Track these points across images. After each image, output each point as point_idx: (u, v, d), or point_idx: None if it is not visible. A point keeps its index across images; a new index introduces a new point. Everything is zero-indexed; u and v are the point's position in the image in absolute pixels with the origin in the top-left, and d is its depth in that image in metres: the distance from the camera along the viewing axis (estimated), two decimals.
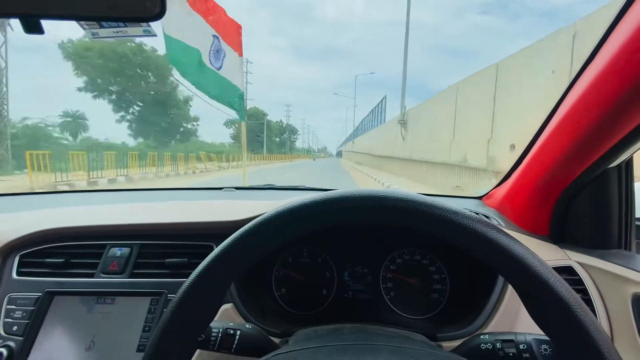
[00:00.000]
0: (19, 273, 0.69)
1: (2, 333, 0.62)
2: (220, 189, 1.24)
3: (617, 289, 0.62)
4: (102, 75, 28.83)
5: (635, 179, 0.71)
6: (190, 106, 38.42)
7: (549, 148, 0.69)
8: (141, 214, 0.82)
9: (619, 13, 0.50)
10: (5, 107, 16.90)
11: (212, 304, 0.39)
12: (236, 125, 49.13)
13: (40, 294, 0.66)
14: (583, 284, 0.65)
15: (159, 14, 0.43)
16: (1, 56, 16.54)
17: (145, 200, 1.20)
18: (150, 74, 31.78)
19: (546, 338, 0.40)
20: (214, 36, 2.59)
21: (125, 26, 0.65)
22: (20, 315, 0.64)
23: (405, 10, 13.16)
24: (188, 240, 0.72)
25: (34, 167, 9.33)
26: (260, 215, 0.38)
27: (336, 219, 0.38)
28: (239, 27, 2.86)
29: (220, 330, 0.45)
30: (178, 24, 2.39)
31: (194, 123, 40.44)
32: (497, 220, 0.85)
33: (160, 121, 35.41)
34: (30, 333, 0.62)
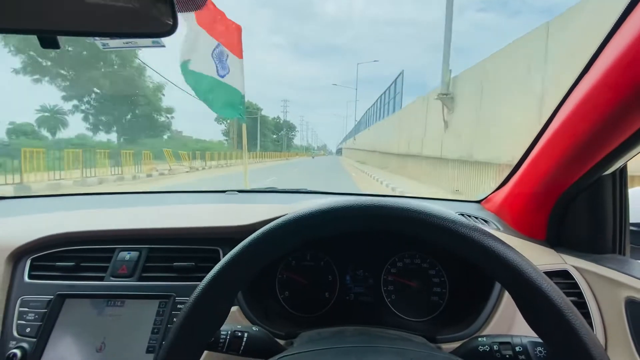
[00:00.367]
0: (30, 276, 0.71)
1: (16, 335, 0.64)
2: (224, 192, 1.26)
3: (611, 292, 0.63)
4: (46, 53, 22.89)
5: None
6: (163, 95, 32.71)
7: (546, 155, 0.71)
8: (148, 218, 0.84)
9: (615, 23, 0.52)
10: None
11: (223, 308, 0.41)
12: (228, 122, 45.39)
13: (51, 296, 0.67)
14: (578, 288, 0.67)
15: (171, 29, 0.45)
16: None
17: (146, 203, 1.21)
18: (113, 55, 26.33)
19: (541, 341, 0.42)
20: (217, 44, 2.64)
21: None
22: (32, 318, 0.66)
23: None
24: (195, 244, 0.74)
25: None
26: (265, 220, 0.40)
27: (342, 227, 0.40)
28: (239, 28, 2.86)
29: (229, 332, 0.46)
30: (191, 47, 2.50)
31: (168, 115, 34.31)
32: (495, 225, 0.87)
33: (124, 113, 30.36)
34: (42, 335, 0.64)
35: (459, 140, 7.97)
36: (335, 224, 0.39)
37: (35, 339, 0.63)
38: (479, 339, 0.47)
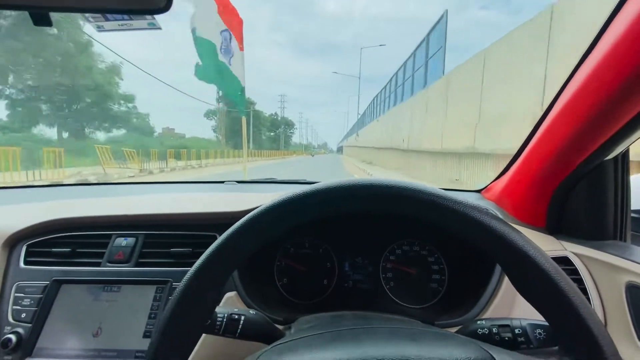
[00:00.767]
0: (26, 262, 0.71)
1: (11, 320, 0.64)
2: (222, 182, 1.25)
3: (611, 278, 0.63)
4: None
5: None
6: (121, 79, 25.53)
7: (547, 141, 0.70)
8: (145, 205, 0.83)
9: (617, 5, 0.51)
10: None
11: (215, 291, 0.40)
12: (217, 117, 42.19)
13: (47, 282, 0.67)
14: (579, 274, 0.67)
15: (165, 7, 0.44)
16: None
17: (142, 193, 1.20)
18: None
19: (540, 323, 0.41)
20: (224, 30, 2.69)
21: (131, 19, 0.66)
22: (28, 303, 0.65)
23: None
24: (192, 230, 0.74)
25: None
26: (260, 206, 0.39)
27: (334, 208, 0.39)
28: (241, 21, 2.88)
29: (225, 315, 0.46)
30: (202, 18, 2.60)
31: (127, 105, 27.52)
32: (495, 213, 0.86)
33: (68, 100, 23.02)
34: (38, 320, 0.64)
35: None
36: (330, 204, 0.39)
37: (30, 324, 0.63)
38: (478, 322, 0.46)
